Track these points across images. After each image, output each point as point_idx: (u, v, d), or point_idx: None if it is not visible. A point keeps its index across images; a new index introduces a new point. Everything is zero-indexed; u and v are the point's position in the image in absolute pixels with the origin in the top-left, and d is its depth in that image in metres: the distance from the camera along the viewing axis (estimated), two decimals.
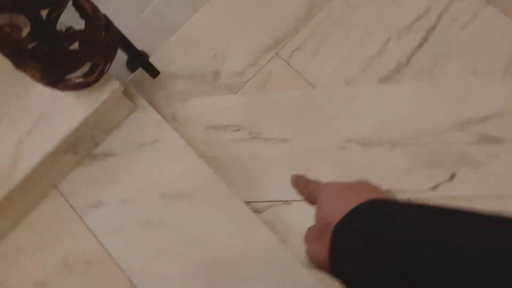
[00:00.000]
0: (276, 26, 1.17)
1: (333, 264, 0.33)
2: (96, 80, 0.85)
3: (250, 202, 0.99)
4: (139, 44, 1.09)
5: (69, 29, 0.75)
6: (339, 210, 0.34)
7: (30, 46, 0.72)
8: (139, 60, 1.04)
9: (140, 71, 1.13)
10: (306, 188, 0.42)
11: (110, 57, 0.86)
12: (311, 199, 0.41)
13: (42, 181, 0.97)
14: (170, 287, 0.91)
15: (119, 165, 1.01)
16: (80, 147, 0.99)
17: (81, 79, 0.84)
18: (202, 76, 1.26)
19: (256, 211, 0.99)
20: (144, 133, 1.02)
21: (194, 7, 1.35)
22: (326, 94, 1.08)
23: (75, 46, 0.78)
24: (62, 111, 0.93)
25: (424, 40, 1.08)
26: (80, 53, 0.79)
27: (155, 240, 0.94)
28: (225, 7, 1.24)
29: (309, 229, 0.40)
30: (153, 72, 1.11)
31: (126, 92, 1.05)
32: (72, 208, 1.00)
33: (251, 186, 1.02)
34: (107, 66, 0.86)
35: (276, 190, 1.00)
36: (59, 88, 0.84)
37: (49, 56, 0.75)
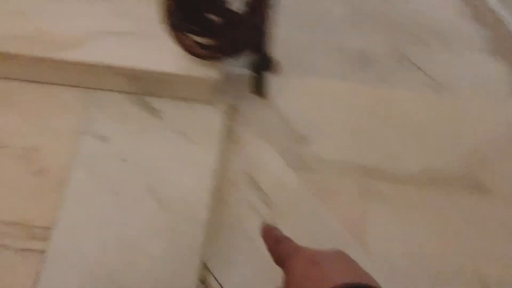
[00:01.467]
0: None
1: None
2: (202, 57, 0.74)
3: None
4: None
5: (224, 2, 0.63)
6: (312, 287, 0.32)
7: None
8: (257, 74, 0.92)
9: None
10: (277, 247, 0.39)
11: (233, 51, 0.75)
12: (278, 261, 0.39)
13: (86, 77, 0.89)
14: None
15: (149, 127, 0.90)
16: (139, 83, 0.89)
17: (193, 43, 0.74)
18: (288, 129, 1.15)
19: None
20: (191, 125, 0.91)
21: None
22: None
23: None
24: (159, 46, 0.83)
25: None
26: (213, 27, 0.68)
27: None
28: None
29: None
30: (260, 91, 0.99)
31: (220, 85, 0.94)
32: (86, 116, 0.91)
33: None
34: (223, 56, 0.75)
35: None
36: (170, 31, 0.74)
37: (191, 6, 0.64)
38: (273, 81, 1.26)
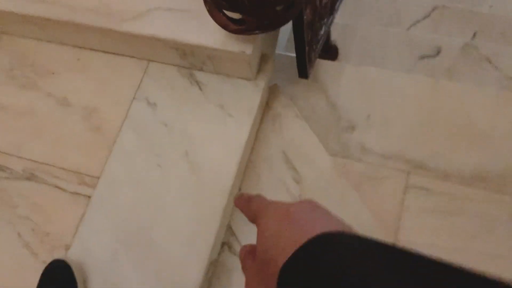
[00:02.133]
0: None
1: None
2: (233, 31, 0.79)
3: None
4: None
5: None
6: (282, 245, 0.30)
7: None
8: (298, 53, 0.95)
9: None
10: (249, 205, 0.38)
11: (264, 27, 0.78)
12: (251, 218, 0.37)
13: (141, 48, 0.99)
14: None
15: (192, 98, 0.98)
16: (188, 58, 0.97)
17: (225, 18, 0.79)
18: (337, 116, 1.15)
19: None
20: (231, 99, 0.96)
21: None
22: None
23: None
24: (203, 23, 0.90)
25: None
26: (239, 2, 0.73)
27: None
28: None
29: (247, 258, 0.36)
30: (302, 73, 1.02)
31: (262, 61, 0.99)
32: (139, 85, 1.02)
33: None
34: (253, 31, 0.79)
35: None
36: (206, 6, 0.81)
37: None
38: (328, 67, 1.27)
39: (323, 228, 0.30)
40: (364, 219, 0.99)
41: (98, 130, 0.99)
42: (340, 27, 1.43)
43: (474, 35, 1.46)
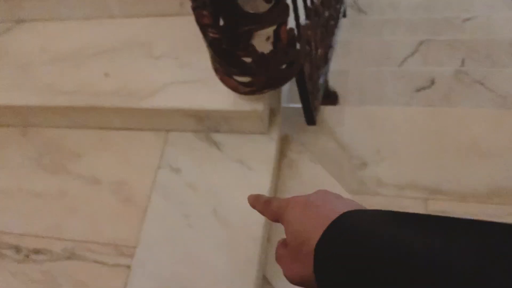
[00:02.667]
0: None
1: (321, 284, 0.33)
2: (244, 93, 0.87)
3: None
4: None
5: (250, 46, 0.77)
6: (312, 227, 0.33)
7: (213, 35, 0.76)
8: (304, 103, 1.03)
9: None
10: (268, 207, 0.42)
11: (270, 86, 0.87)
12: (274, 218, 0.41)
13: (160, 120, 1.07)
14: None
15: (212, 158, 1.05)
16: (204, 122, 1.05)
17: (235, 83, 0.88)
18: (348, 155, 1.22)
19: None
20: (249, 154, 1.03)
21: None
22: None
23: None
24: (215, 89, 0.98)
25: None
26: (246, 67, 0.81)
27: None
28: None
29: (279, 248, 0.39)
30: (310, 120, 1.09)
31: (271, 115, 1.07)
32: (162, 154, 1.09)
33: None
34: (262, 90, 0.87)
35: None
36: (217, 75, 0.90)
37: (224, 52, 0.79)
38: (331, 112, 1.35)
39: (344, 208, 0.33)
40: None
41: (129, 201, 1.05)
42: (336, 73, 1.52)
43: (463, 61, 1.55)
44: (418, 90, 1.43)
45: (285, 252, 0.38)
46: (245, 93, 0.87)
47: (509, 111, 1.27)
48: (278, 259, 0.39)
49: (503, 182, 1.11)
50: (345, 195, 1.12)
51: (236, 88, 0.88)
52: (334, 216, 0.33)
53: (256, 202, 0.44)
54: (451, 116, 1.25)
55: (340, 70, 1.57)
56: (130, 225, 1.02)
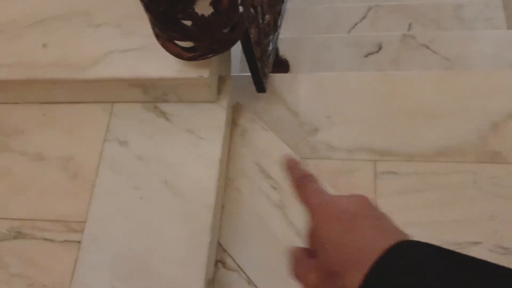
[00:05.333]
0: None
1: None
2: (188, 59, 0.85)
3: None
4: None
5: (189, 8, 0.75)
6: (353, 258, 0.28)
7: None
8: (252, 70, 1.02)
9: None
10: (301, 187, 0.36)
11: (215, 50, 0.85)
12: (301, 201, 0.36)
13: (104, 92, 1.04)
14: None
15: (161, 129, 1.03)
16: (150, 92, 1.02)
17: (178, 48, 0.86)
18: (300, 122, 1.22)
19: None
20: (199, 123, 1.02)
21: None
22: None
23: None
24: (159, 57, 0.96)
25: None
26: (187, 31, 0.79)
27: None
28: None
29: (310, 274, 0.32)
30: (260, 87, 1.09)
31: (221, 83, 1.06)
32: (108, 127, 1.06)
33: None
34: (206, 55, 0.86)
35: None
36: (158, 41, 0.87)
37: (162, 15, 0.76)
38: (283, 79, 1.35)
39: (392, 237, 0.28)
40: None
41: (76, 176, 1.02)
42: (287, 41, 1.52)
43: (410, 26, 1.58)
44: (366, 56, 1.44)
45: (312, 274, 0.32)
46: (189, 59, 0.85)
47: (454, 72, 1.32)
48: (302, 280, 0.33)
49: (448, 141, 1.15)
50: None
51: (179, 53, 0.86)
52: (380, 245, 0.27)
53: (292, 171, 0.38)
54: (399, 79, 1.27)
55: (291, 38, 1.56)
56: (79, 200, 1.00)
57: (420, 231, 1.06)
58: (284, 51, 1.51)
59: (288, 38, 1.52)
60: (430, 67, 1.38)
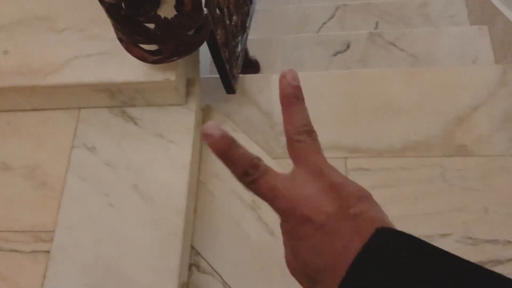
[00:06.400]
0: None
1: None
2: (153, 62, 0.84)
3: None
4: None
5: (151, 11, 0.74)
6: (329, 262, 0.26)
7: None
8: (220, 71, 1.02)
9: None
10: (294, 136, 0.30)
11: (181, 53, 0.84)
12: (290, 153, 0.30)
13: (70, 98, 1.02)
14: None
15: (130, 134, 1.02)
16: (117, 97, 1.01)
17: (142, 52, 0.85)
18: (271, 122, 1.23)
19: None
20: (168, 126, 1.01)
21: None
22: None
23: None
24: (124, 61, 0.94)
25: None
26: (150, 34, 0.78)
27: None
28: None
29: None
30: (229, 89, 1.08)
31: (189, 85, 1.05)
32: (75, 134, 1.04)
33: None
34: (171, 58, 0.85)
35: None
36: (122, 45, 0.86)
37: (124, 19, 0.75)
38: (253, 80, 1.35)
39: (366, 232, 0.26)
40: None
41: (43, 185, 1.00)
42: (257, 42, 1.52)
43: (376, 24, 1.61)
44: (335, 54, 1.46)
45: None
46: (153, 62, 0.84)
47: (419, 69, 1.34)
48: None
49: (415, 136, 1.17)
50: (270, 160, 1.13)
51: (144, 57, 0.85)
52: (354, 245, 0.25)
53: (288, 104, 0.31)
54: (366, 77, 1.29)
55: (261, 38, 1.57)
56: (47, 209, 0.97)
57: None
58: (254, 52, 1.51)
59: (257, 39, 1.53)
60: (397, 64, 1.41)
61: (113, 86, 0.96)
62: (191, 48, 0.86)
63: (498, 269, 0.99)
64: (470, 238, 1.03)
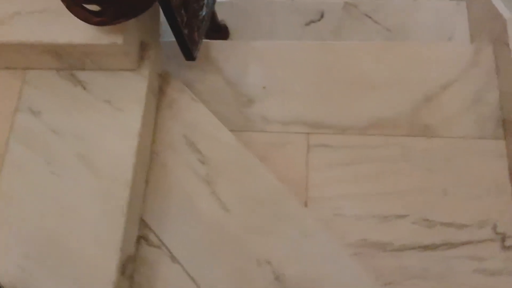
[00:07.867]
0: None
1: None
2: (96, 24, 0.78)
3: None
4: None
5: None
6: None
7: None
8: (176, 36, 0.96)
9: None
10: None
11: (124, 15, 0.78)
12: None
13: (14, 57, 0.95)
14: None
15: (78, 99, 0.96)
16: (65, 59, 0.94)
17: (85, 12, 0.78)
18: (235, 92, 1.18)
19: None
20: (117, 93, 0.95)
21: None
22: None
23: None
24: (69, 20, 0.87)
25: None
26: None
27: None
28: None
29: None
30: (188, 55, 1.02)
31: (143, 50, 0.99)
32: (19, 96, 0.98)
33: None
34: (118, 20, 0.79)
35: None
36: (63, 3, 0.79)
37: None
38: (221, 47, 1.29)
39: None
40: (274, 186, 1.02)
41: None
42: (227, 6, 1.44)
43: None
44: (308, 24, 1.40)
45: None
46: (98, 24, 0.78)
47: (392, 43, 1.29)
48: None
49: (382, 113, 1.13)
50: (227, 133, 1.08)
51: (87, 18, 0.79)
52: None
53: None
54: (339, 49, 1.24)
55: (231, 2, 1.49)
56: None
57: (350, 204, 1.06)
58: (224, 16, 1.43)
59: (228, 2, 1.45)
60: (371, 37, 1.35)
61: (59, 48, 0.89)
62: (137, 10, 0.79)
63: (451, 253, 0.98)
64: (427, 220, 1.01)
